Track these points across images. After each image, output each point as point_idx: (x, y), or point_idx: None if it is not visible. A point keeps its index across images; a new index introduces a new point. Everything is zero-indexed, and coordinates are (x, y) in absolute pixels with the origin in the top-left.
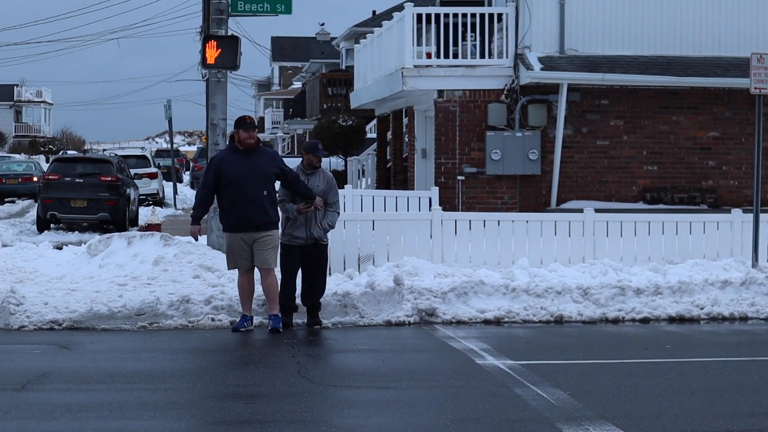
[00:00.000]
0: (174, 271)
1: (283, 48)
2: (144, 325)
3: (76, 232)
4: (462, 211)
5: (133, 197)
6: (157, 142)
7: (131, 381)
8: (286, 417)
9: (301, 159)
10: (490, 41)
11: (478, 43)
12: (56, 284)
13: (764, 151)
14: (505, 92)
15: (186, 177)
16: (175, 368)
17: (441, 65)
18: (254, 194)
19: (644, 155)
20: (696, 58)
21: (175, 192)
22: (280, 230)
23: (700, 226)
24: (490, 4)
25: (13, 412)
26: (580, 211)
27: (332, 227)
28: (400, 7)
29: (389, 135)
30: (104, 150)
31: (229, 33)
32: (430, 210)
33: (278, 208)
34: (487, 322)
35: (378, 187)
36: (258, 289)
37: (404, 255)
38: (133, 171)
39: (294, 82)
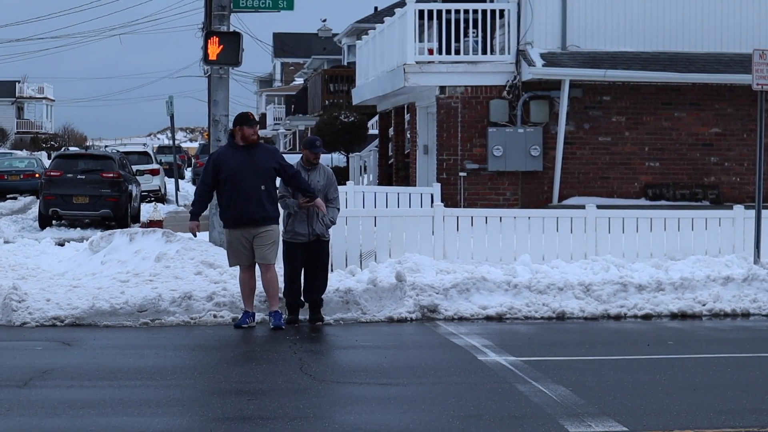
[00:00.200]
0: (176, 267)
1: (284, 44)
2: (146, 322)
3: (78, 229)
4: (464, 207)
5: (135, 194)
6: (158, 139)
7: (133, 377)
8: (288, 413)
9: (301, 155)
10: (492, 37)
11: (480, 39)
12: (58, 281)
13: (766, 148)
14: (507, 88)
15: (188, 173)
16: (178, 365)
17: (443, 61)
18: (252, 190)
19: (646, 151)
20: (698, 54)
21: (177, 188)
22: (281, 226)
23: (702, 223)
24: (492, 1)
25: (16, 408)
26: (582, 207)
27: (333, 223)
28: (402, 3)
29: (391, 131)
30: (106, 146)
31: (231, 29)
32: (432, 206)
33: (278, 204)
34: (489, 318)
35: (380, 184)
36: (259, 285)
37: (406, 251)
38: (135, 167)
39: (296, 79)
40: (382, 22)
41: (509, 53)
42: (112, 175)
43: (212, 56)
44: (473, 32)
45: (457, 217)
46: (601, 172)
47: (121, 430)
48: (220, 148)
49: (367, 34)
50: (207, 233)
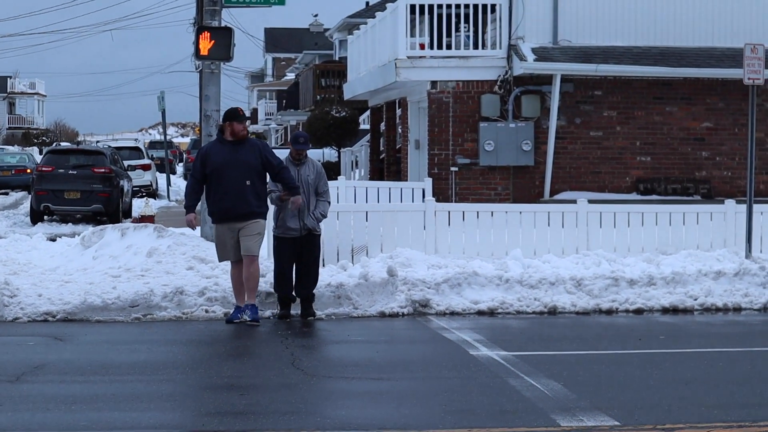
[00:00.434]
0: (168, 262)
1: (276, 39)
2: (138, 317)
3: (70, 224)
4: (455, 202)
5: (127, 189)
6: (150, 134)
7: (125, 372)
8: (280, 408)
9: (289, 150)
10: (484, 32)
11: (471, 34)
12: (50, 276)
13: (757, 142)
14: (498, 83)
15: (179, 168)
16: (169, 360)
17: (434, 56)
18: (237, 185)
19: (637, 146)
20: (689, 49)
21: (169, 183)
22: (272, 222)
23: (694, 217)
24: None
25: (8, 404)
26: (574, 202)
27: (324, 216)
28: None
29: (383, 126)
30: (98, 142)
31: (223, 24)
32: (423, 201)
33: (266, 200)
34: (480, 313)
35: (371, 179)
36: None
37: (398, 246)
38: (126, 163)
39: (287, 74)
40: (374, 17)
41: (500, 48)
42: (103, 170)
43: (203, 51)
44: (465, 27)
45: (449, 212)
46: (593, 166)
47: (113, 425)
48: (208, 143)
49: (358, 29)
50: (199, 228)
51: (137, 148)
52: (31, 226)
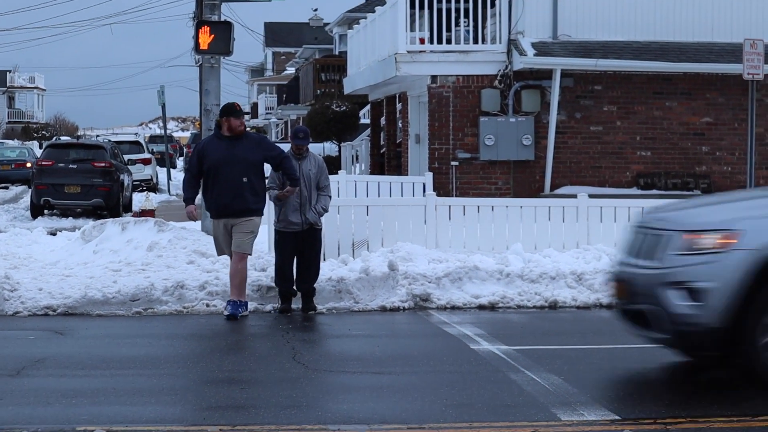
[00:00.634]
0: (168, 256)
1: (276, 34)
2: (139, 311)
3: (70, 218)
4: (456, 196)
5: (127, 183)
6: (150, 128)
7: (126, 366)
8: (282, 402)
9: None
10: (484, 27)
11: (471, 28)
12: (50, 270)
13: (757, 137)
14: (498, 78)
15: (179, 163)
16: (170, 354)
17: (434, 51)
18: (233, 181)
19: (638, 141)
20: (689, 44)
21: (169, 178)
22: (274, 216)
23: None
24: None
25: (8, 397)
26: (574, 196)
27: (326, 211)
28: None
29: (383, 120)
30: (98, 136)
31: (222, 19)
32: (424, 195)
33: (263, 197)
34: (481, 307)
35: (372, 173)
36: (252, 274)
37: (399, 240)
38: (126, 157)
39: (287, 68)
40: (374, 11)
41: (500, 42)
42: (103, 164)
43: (203, 46)
44: (465, 21)
45: (450, 207)
46: (593, 161)
47: (114, 419)
48: (205, 138)
49: (358, 23)
50: (199, 222)
51: (137, 143)
52: (32, 220)
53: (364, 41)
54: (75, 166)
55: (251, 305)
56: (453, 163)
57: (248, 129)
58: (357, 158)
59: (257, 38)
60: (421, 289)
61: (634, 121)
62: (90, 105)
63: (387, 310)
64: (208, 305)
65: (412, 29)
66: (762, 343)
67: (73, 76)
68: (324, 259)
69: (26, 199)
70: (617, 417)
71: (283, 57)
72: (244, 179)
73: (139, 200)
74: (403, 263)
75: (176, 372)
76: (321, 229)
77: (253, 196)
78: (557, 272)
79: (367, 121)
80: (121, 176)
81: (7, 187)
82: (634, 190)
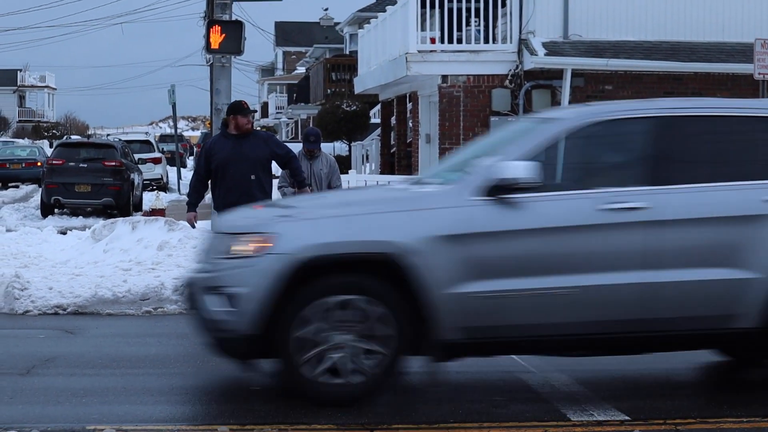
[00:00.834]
0: (178, 256)
1: (286, 33)
2: (148, 310)
3: (80, 217)
4: None
5: (137, 182)
6: (160, 127)
7: (136, 366)
8: (292, 400)
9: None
10: (494, 26)
11: (482, 28)
12: (60, 269)
13: None
14: (509, 77)
15: (190, 162)
16: (180, 353)
17: (445, 50)
18: (240, 179)
19: None
20: (700, 44)
21: (179, 177)
22: None
23: None
24: None
25: (19, 396)
26: None
27: None
28: None
29: (393, 120)
30: (108, 135)
31: (233, 18)
32: None
33: (271, 193)
34: None
35: (382, 173)
36: None
37: None
38: (137, 156)
39: (298, 68)
40: (384, 10)
41: (511, 42)
42: (114, 163)
43: (214, 45)
44: (475, 21)
45: None
46: None
47: (124, 418)
48: (212, 138)
49: (369, 22)
50: (209, 222)
51: (148, 142)
52: (42, 219)
53: (375, 41)
54: (85, 165)
55: None
56: None
57: (258, 128)
58: (367, 158)
59: (268, 38)
60: None
61: None
62: (100, 104)
63: None
64: None
65: (423, 29)
66: (297, 352)
67: (83, 75)
68: None
69: (36, 198)
70: (627, 417)
71: (294, 56)
72: (252, 177)
73: (150, 199)
74: None
75: (186, 371)
76: None
77: (261, 193)
78: None
79: (378, 120)
80: (132, 175)
81: (17, 186)
82: None
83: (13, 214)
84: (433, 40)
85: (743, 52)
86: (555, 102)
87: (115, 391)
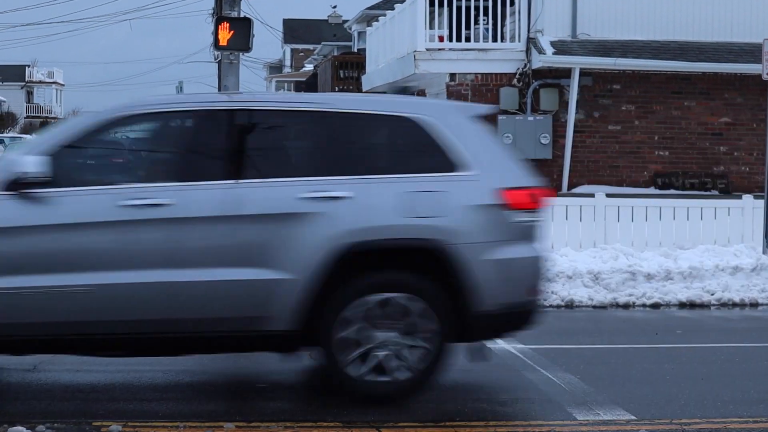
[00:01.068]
0: None
1: (294, 30)
2: None
3: None
4: None
5: None
6: None
7: (143, 362)
8: (299, 398)
9: None
10: (503, 25)
11: (490, 26)
12: None
13: None
14: (517, 76)
15: None
16: None
17: (453, 48)
18: None
19: (656, 140)
20: (708, 44)
21: None
22: None
23: (711, 212)
24: None
25: (25, 392)
26: (592, 195)
27: None
28: None
29: None
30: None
31: (242, 15)
32: None
33: None
34: None
35: None
36: None
37: None
38: None
39: (306, 65)
40: (393, 8)
41: (519, 41)
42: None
43: (223, 42)
44: (484, 19)
45: None
46: (611, 160)
47: (131, 415)
48: None
49: (377, 20)
50: None
51: None
52: None
53: (383, 38)
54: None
55: None
56: None
57: None
58: None
59: (276, 35)
60: None
61: (652, 121)
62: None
63: None
64: None
65: (431, 27)
66: None
67: (91, 71)
68: None
69: None
70: (633, 417)
71: (302, 54)
72: None
73: None
74: None
75: (193, 368)
76: None
77: None
78: (574, 271)
79: None
80: None
81: None
82: (651, 190)
83: None
84: (441, 39)
85: (751, 52)
86: (563, 101)
87: (121, 387)
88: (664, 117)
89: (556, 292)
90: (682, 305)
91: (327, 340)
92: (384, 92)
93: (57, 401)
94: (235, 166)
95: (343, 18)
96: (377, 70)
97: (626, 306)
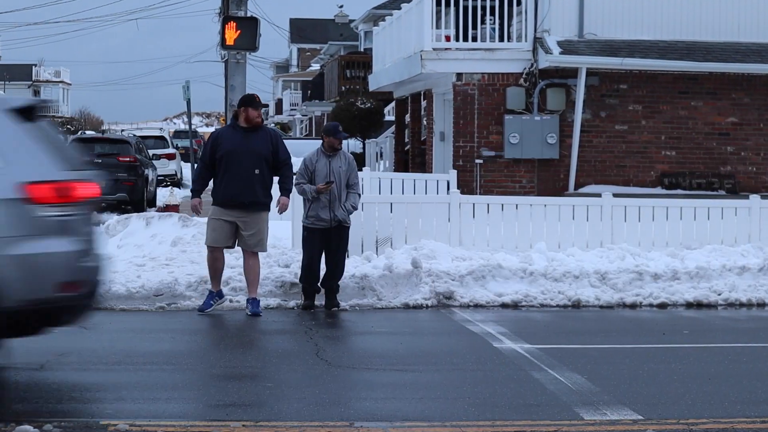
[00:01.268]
0: (192, 252)
1: (301, 30)
2: (162, 306)
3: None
4: (480, 194)
5: (152, 178)
6: (175, 123)
7: (149, 361)
8: (304, 399)
9: (321, 141)
10: (509, 24)
11: (497, 26)
12: None
13: None
14: (523, 76)
15: None
16: (193, 349)
17: (460, 48)
18: (245, 172)
19: (662, 140)
20: (715, 43)
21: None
22: (303, 214)
23: (718, 212)
24: None
25: (32, 391)
26: (598, 195)
27: (355, 209)
28: None
29: (407, 118)
30: (122, 130)
31: (248, 14)
32: (448, 193)
33: (271, 191)
34: (504, 305)
35: (396, 170)
36: (275, 271)
37: (422, 238)
38: (151, 152)
39: (312, 64)
40: (399, 8)
41: (526, 41)
42: (128, 159)
43: (229, 41)
44: (490, 19)
45: (473, 205)
46: (618, 160)
47: (138, 414)
48: (221, 128)
49: (384, 20)
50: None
51: (162, 137)
52: None
53: (390, 38)
54: (100, 161)
55: (274, 301)
56: (477, 161)
57: (273, 125)
58: (381, 155)
59: (282, 34)
60: (444, 287)
61: (659, 121)
62: (115, 99)
63: (410, 307)
64: (231, 301)
65: (438, 27)
66: None
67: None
68: (347, 256)
69: None
70: (640, 417)
71: (308, 53)
72: (256, 171)
73: (164, 195)
74: (427, 261)
75: (199, 368)
76: (349, 227)
77: (263, 189)
78: (581, 271)
79: (392, 118)
80: (146, 171)
81: None
82: (658, 190)
83: None
84: (448, 38)
85: (759, 52)
86: (570, 101)
87: (128, 386)
88: (671, 117)
89: (563, 291)
90: (689, 305)
91: None
92: (391, 92)
93: (64, 400)
94: None
95: (350, 18)
96: (384, 69)
97: (633, 306)
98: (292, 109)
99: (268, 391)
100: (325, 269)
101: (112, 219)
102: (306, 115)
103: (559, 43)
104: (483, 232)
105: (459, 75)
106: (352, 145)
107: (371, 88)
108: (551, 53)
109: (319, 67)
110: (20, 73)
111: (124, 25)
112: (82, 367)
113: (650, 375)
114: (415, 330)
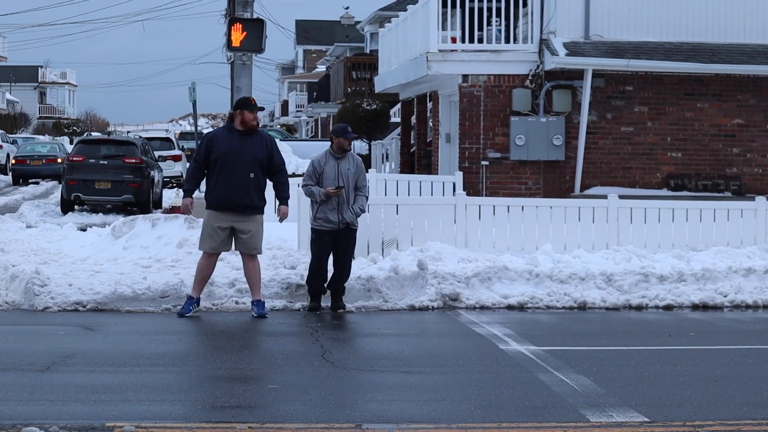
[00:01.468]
0: (198, 253)
1: (307, 31)
2: (168, 308)
3: (100, 214)
4: (486, 196)
5: (157, 179)
6: (180, 125)
7: (155, 363)
8: (311, 400)
9: (330, 143)
10: (515, 26)
11: (503, 27)
12: (80, 266)
13: None
14: (529, 77)
15: None
16: (199, 351)
17: (466, 50)
18: (240, 175)
19: (668, 142)
20: (721, 45)
21: None
22: (311, 216)
23: (724, 214)
24: None
25: (38, 393)
26: (604, 197)
27: (363, 211)
28: None
29: (413, 119)
30: (128, 132)
31: (255, 16)
32: (454, 195)
33: (264, 194)
34: (510, 307)
35: (402, 172)
36: (281, 272)
37: (428, 240)
38: (157, 153)
39: (318, 66)
40: (405, 9)
41: (532, 42)
42: (134, 160)
43: (236, 43)
44: (496, 21)
45: (479, 206)
46: (624, 162)
47: (144, 415)
48: (217, 129)
49: (389, 21)
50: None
51: (168, 139)
52: (62, 216)
53: (396, 40)
54: (106, 162)
55: (280, 303)
56: (483, 162)
57: (279, 126)
58: (387, 157)
59: (288, 36)
60: (450, 289)
61: (665, 122)
62: (121, 101)
63: (416, 309)
64: (237, 302)
65: (444, 28)
66: None
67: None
68: (354, 258)
69: (57, 195)
70: (646, 419)
71: (314, 55)
72: (251, 175)
73: (169, 197)
74: (433, 262)
75: (205, 369)
76: (356, 230)
77: (257, 192)
78: (587, 273)
79: (398, 119)
80: (152, 173)
81: (38, 183)
82: (664, 192)
83: (34, 210)
84: (453, 40)
85: (765, 53)
86: (576, 102)
87: (134, 388)
88: (677, 118)
89: (569, 293)
90: (695, 307)
91: None
92: (396, 93)
93: (71, 402)
94: None
95: (356, 19)
96: (390, 71)
97: (639, 308)
98: (297, 111)
99: (274, 393)
100: (332, 271)
101: (117, 220)
102: (312, 117)
103: (565, 45)
104: (489, 233)
105: (465, 76)
106: (357, 146)
107: (377, 89)
108: (557, 55)
109: (325, 69)
110: (26, 74)
111: (131, 26)
112: (88, 369)
113: (656, 377)
114: (421, 332)
